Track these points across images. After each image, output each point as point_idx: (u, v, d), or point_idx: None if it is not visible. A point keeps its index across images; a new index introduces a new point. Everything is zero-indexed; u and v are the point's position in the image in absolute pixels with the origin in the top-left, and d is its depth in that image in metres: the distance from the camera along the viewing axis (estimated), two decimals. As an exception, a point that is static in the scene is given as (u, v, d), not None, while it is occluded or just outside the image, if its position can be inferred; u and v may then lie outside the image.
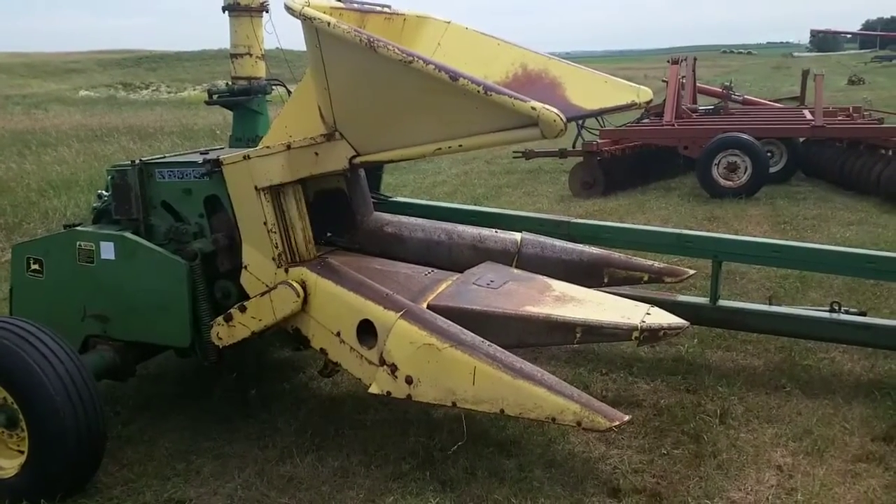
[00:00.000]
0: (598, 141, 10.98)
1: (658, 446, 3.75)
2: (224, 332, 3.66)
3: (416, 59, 2.89)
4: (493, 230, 4.44)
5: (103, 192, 4.05)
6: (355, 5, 3.76)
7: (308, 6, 3.21)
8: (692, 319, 4.78)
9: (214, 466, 3.68)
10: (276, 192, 3.53)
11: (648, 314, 3.57)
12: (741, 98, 14.79)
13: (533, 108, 2.77)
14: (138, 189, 3.85)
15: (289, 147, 3.44)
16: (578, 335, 3.45)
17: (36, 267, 3.92)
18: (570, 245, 4.39)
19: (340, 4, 3.65)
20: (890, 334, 4.32)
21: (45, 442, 3.24)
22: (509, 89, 4.16)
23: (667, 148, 11.21)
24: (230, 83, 5.88)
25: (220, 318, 3.66)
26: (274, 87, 5.95)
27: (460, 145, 3.05)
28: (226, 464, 3.70)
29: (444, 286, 3.77)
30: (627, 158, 11.14)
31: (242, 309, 3.61)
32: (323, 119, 3.41)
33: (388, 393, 3.22)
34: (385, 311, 3.28)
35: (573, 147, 11.36)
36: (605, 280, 4.30)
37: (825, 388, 4.34)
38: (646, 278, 4.36)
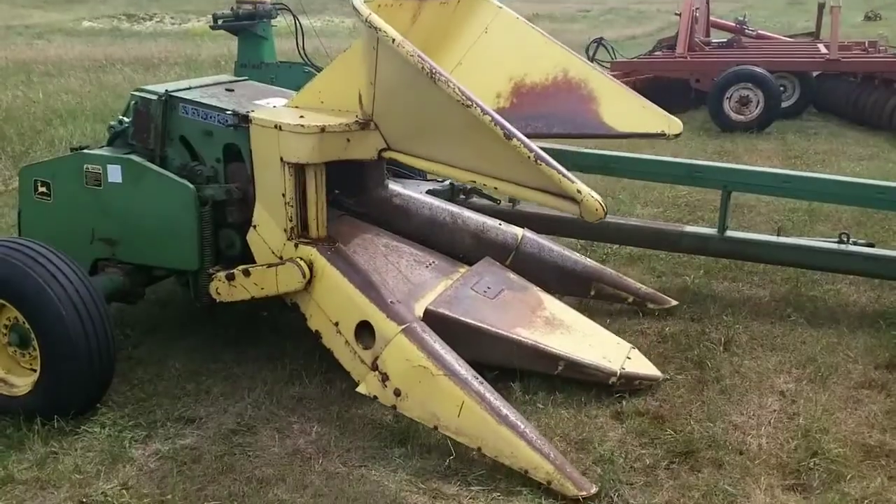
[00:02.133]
0: (609, 73, 10.80)
1: (661, 372, 3.79)
2: (224, 290, 3.65)
3: (474, 105, 2.83)
4: (498, 222, 4.44)
5: (124, 118, 3.99)
6: None
7: (375, 7, 3.19)
8: (700, 250, 4.82)
9: (224, 387, 3.74)
10: (300, 169, 3.48)
11: (629, 358, 3.67)
12: (755, 33, 14.50)
13: (579, 192, 2.75)
14: (160, 122, 3.79)
15: (323, 130, 3.39)
16: (560, 368, 3.57)
17: (44, 190, 3.92)
18: (567, 252, 4.42)
19: None
20: (898, 265, 4.32)
21: (57, 360, 3.29)
22: (546, 93, 4.19)
23: (679, 81, 11.04)
24: (235, 8, 5.78)
25: (221, 275, 3.64)
26: (279, 13, 5.86)
27: (495, 187, 3.08)
28: (235, 384, 3.76)
29: (442, 286, 3.81)
30: (638, 91, 10.93)
31: (246, 273, 3.59)
32: (361, 106, 3.38)
33: (375, 397, 3.25)
34: (388, 320, 3.27)
35: (583, 80, 11.16)
36: (592, 293, 4.39)
37: (830, 317, 4.37)
38: (630, 299, 4.43)
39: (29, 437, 3.28)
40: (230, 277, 3.62)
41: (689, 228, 4.79)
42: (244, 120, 3.55)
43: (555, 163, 2.78)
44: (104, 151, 3.90)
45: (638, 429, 3.33)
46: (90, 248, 3.87)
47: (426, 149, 3.29)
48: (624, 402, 3.51)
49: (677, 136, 4.21)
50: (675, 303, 4.46)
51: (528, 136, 2.83)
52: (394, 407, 3.21)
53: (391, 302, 3.34)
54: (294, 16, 5.66)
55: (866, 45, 11.88)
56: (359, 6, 3.08)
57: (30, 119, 10.01)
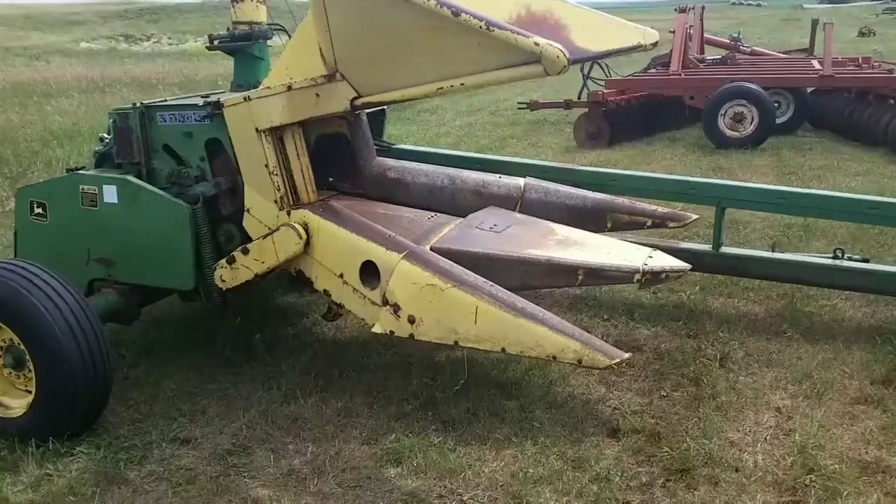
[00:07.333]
0: (604, 91, 10.88)
1: (657, 388, 3.79)
2: (227, 275, 3.68)
3: None
4: (497, 175, 4.41)
5: (105, 135, 4.04)
6: None
7: None
8: (695, 266, 4.81)
9: (219, 407, 3.73)
10: (277, 134, 3.52)
11: (651, 257, 3.56)
12: (749, 49, 14.59)
13: (536, 44, 2.71)
14: (139, 132, 3.84)
15: (289, 88, 3.42)
16: (581, 278, 3.46)
17: (39, 210, 3.93)
18: (574, 190, 4.37)
19: None
20: (892, 280, 4.32)
21: (52, 382, 3.29)
22: None
23: (673, 98, 11.10)
24: (231, 28, 5.81)
25: (223, 261, 3.68)
26: (275, 33, 5.88)
27: (462, 84, 2.99)
28: (231, 405, 3.75)
29: (446, 229, 3.78)
30: (633, 109, 11.03)
31: (245, 251, 3.62)
32: (324, 60, 3.38)
33: (392, 332, 3.22)
34: (388, 252, 3.28)
35: (578, 98, 11.25)
36: (609, 225, 4.29)
37: (826, 333, 4.36)
38: (649, 223, 4.34)
39: (24, 458, 3.27)
40: (231, 261, 3.65)
41: (684, 244, 4.80)
42: (217, 106, 3.60)
43: (506, 24, 2.76)
44: (99, 172, 3.92)
45: (634, 446, 3.33)
46: (86, 269, 3.88)
47: (391, 78, 3.24)
48: (620, 420, 3.50)
49: (654, 44, 4.03)
50: (696, 217, 4.36)
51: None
52: (411, 336, 3.18)
53: (389, 236, 3.34)
54: (290, 36, 5.68)
55: (860, 60, 11.97)
56: None
57: (27, 140, 10.04)
